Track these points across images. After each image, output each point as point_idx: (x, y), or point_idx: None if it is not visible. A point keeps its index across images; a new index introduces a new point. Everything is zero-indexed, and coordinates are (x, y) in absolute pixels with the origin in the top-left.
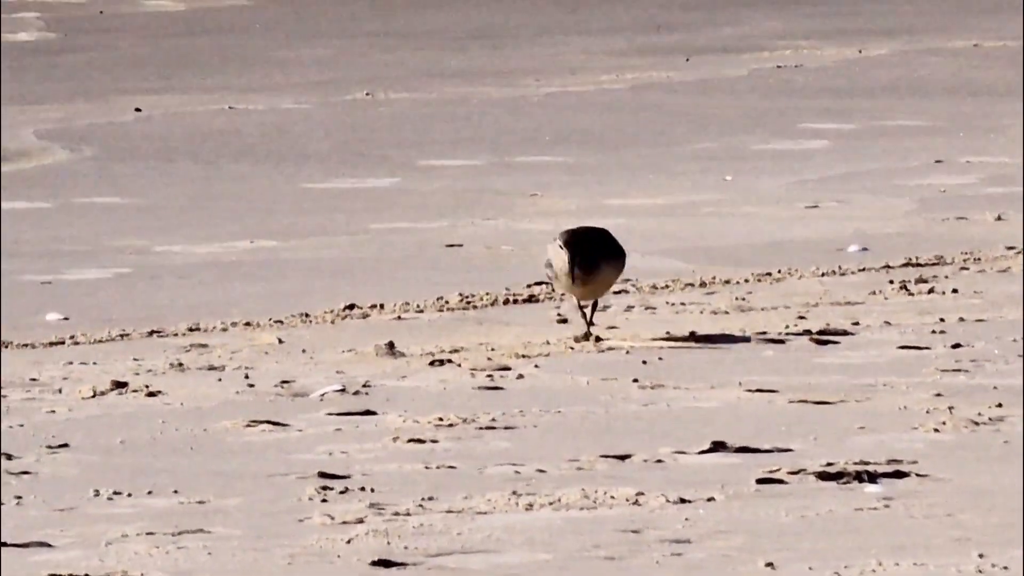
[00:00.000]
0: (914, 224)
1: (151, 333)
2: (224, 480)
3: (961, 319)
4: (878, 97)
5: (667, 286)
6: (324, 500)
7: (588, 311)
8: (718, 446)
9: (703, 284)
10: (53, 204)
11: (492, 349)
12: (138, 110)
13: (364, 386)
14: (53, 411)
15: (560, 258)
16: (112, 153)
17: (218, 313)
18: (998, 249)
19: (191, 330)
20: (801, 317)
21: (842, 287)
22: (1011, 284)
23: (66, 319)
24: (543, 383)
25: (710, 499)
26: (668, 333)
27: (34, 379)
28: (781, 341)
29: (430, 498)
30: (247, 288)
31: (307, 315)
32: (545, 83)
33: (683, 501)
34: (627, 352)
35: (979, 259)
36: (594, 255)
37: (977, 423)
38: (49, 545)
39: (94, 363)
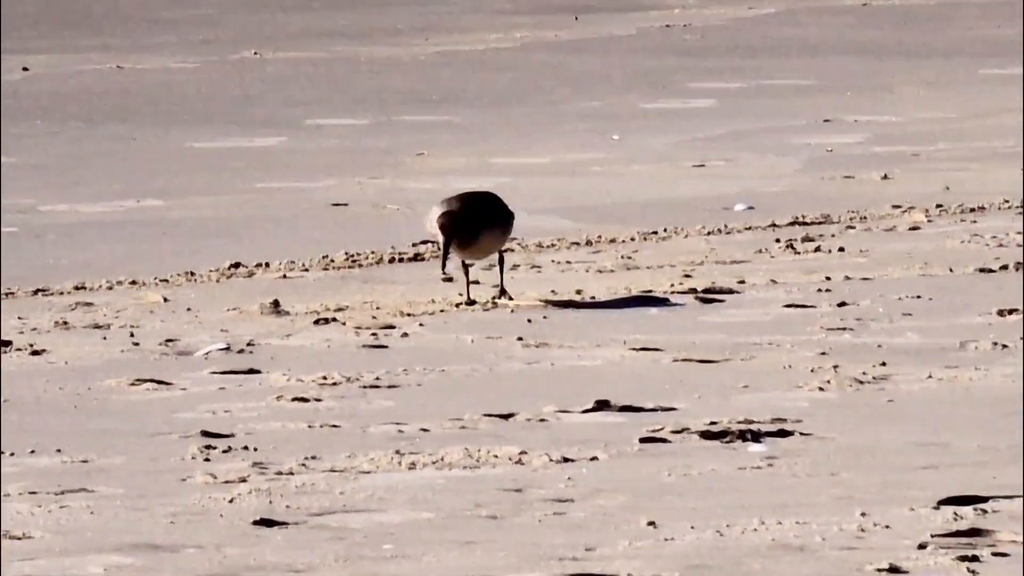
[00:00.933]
0: (801, 183)
1: (36, 292)
2: (107, 439)
3: (847, 278)
4: (766, 56)
5: (553, 245)
6: (207, 459)
7: (500, 274)
8: (602, 405)
9: (589, 243)
10: None
11: (377, 308)
12: (25, 69)
13: (248, 345)
14: None
15: (437, 235)
16: None
17: (104, 272)
18: (884, 208)
19: (77, 288)
20: (687, 275)
21: (728, 246)
22: (897, 243)
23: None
24: (427, 342)
25: (593, 458)
26: (553, 292)
27: None
28: (666, 300)
29: (313, 457)
30: (133, 247)
31: (192, 274)
32: (433, 42)
33: (566, 460)
34: (511, 311)
35: (865, 218)
36: (474, 225)
37: (862, 382)
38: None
39: None
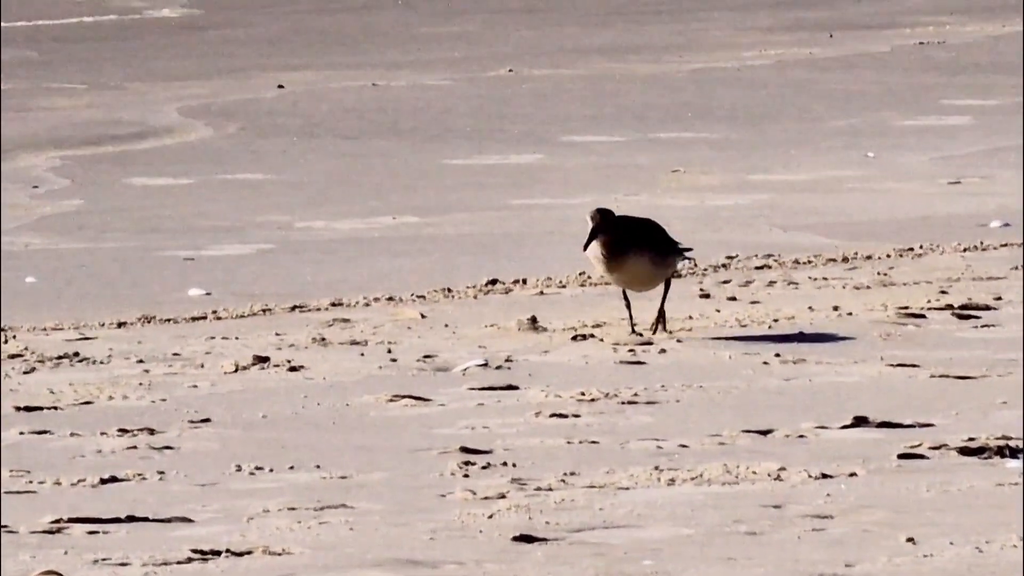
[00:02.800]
0: None
1: (293, 308)
2: (366, 455)
3: None
4: (1021, 73)
5: (810, 261)
6: (466, 475)
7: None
8: (860, 421)
9: (845, 259)
10: (196, 180)
11: (634, 324)
12: (281, 86)
13: (506, 361)
14: (195, 386)
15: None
16: (255, 129)
17: (361, 288)
18: None
19: (334, 305)
20: (943, 292)
21: (984, 262)
22: None
23: (208, 294)
24: (685, 358)
25: (852, 474)
26: (811, 308)
27: (176, 354)
28: (923, 316)
29: (572, 473)
30: (390, 263)
31: (450, 290)
32: (689, 59)
33: (825, 476)
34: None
35: None
36: (624, 242)
37: None
38: (190, 520)
39: (236, 338)
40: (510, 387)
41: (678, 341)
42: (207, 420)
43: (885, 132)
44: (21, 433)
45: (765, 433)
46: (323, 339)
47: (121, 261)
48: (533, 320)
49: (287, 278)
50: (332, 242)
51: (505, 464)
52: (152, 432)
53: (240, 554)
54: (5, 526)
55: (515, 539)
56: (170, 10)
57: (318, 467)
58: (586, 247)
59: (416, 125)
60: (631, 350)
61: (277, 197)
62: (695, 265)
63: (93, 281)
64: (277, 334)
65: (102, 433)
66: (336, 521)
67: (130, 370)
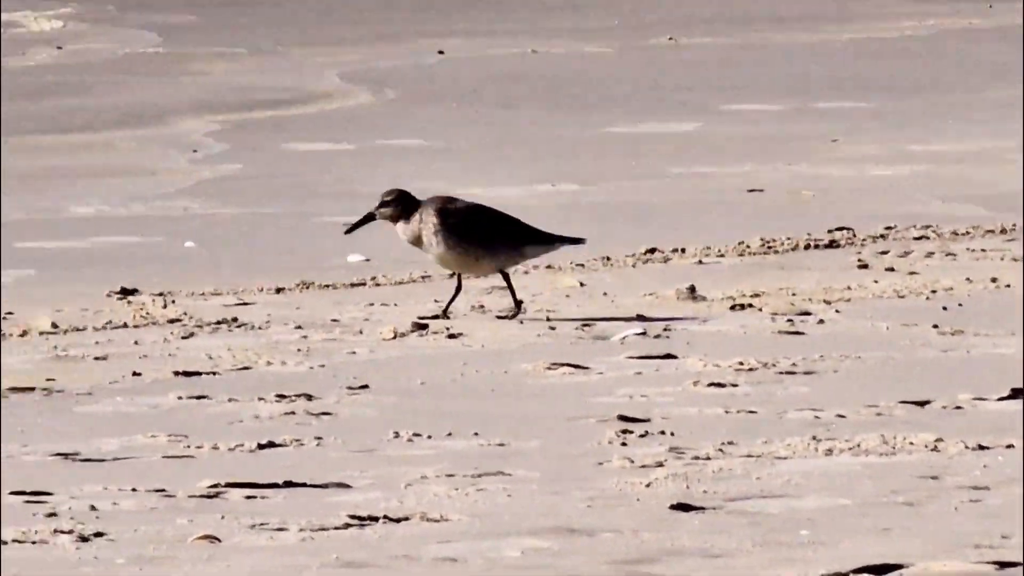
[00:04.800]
0: None
1: (452, 275)
2: (524, 423)
3: None
4: None
5: (967, 232)
6: (624, 444)
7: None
8: (1017, 393)
9: (1003, 231)
10: (355, 146)
11: (793, 294)
12: (441, 52)
13: (665, 330)
14: (354, 352)
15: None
16: (414, 95)
17: None
18: None
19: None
20: None
21: None
22: None
23: (367, 260)
24: (843, 328)
25: (1009, 446)
26: (968, 279)
27: (335, 320)
28: None
29: (729, 442)
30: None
31: (608, 258)
32: (848, 29)
33: (982, 448)
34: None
35: None
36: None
37: None
38: (348, 486)
39: (395, 304)
40: (668, 356)
41: (836, 311)
42: (365, 387)
43: None
44: (179, 398)
45: (922, 404)
46: (482, 307)
47: (279, 227)
48: (692, 289)
49: None
50: None
51: (663, 433)
52: (310, 398)
53: (397, 520)
54: (163, 490)
55: (672, 507)
56: None
57: (476, 434)
58: (349, 230)
59: (575, 93)
60: (789, 320)
61: (436, 164)
62: (853, 236)
63: (252, 246)
64: (436, 301)
65: (260, 399)
66: (493, 488)
67: (288, 336)
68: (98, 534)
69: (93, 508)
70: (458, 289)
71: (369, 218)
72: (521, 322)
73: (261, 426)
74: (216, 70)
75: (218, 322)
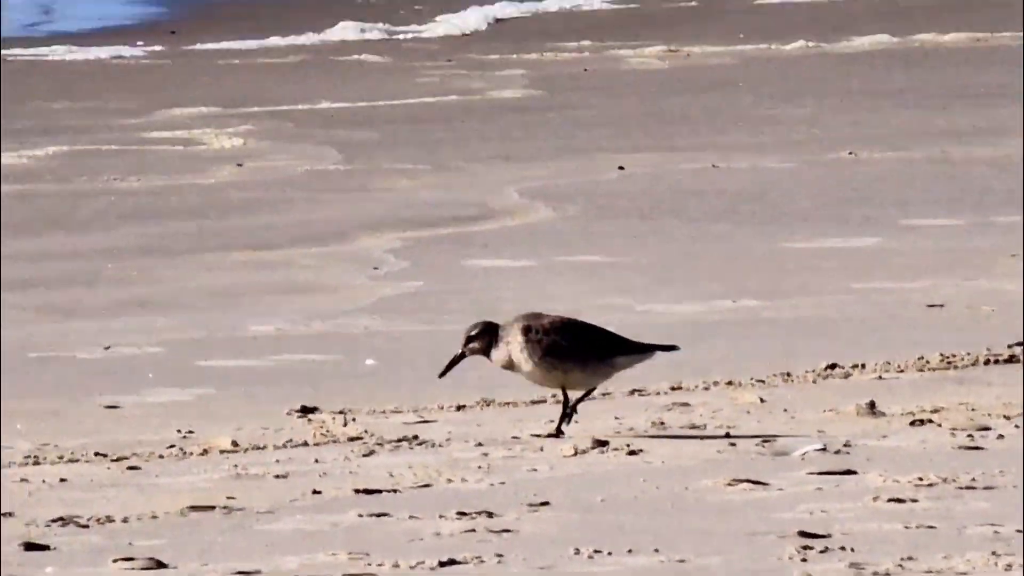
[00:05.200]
0: None
1: (632, 392)
2: (704, 538)
3: None
4: None
5: None
6: (804, 560)
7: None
8: None
9: None
10: (536, 262)
11: (972, 409)
12: (621, 168)
13: (845, 445)
14: (534, 469)
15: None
16: (595, 211)
17: (700, 372)
18: None
19: (673, 389)
20: None
21: None
22: None
23: None
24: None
25: None
26: None
27: (515, 437)
28: None
29: (909, 558)
30: (729, 347)
31: (788, 374)
32: None
33: None
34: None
35: None
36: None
37: None
38: None
39: (575, 422)
40: (848, 472)
41: (1016, 427)
42: (546, 503)
43: None
44: (360, 516)
45: None
46: (662, 423)
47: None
48: (871, 405)
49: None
50: (672, 325)
51: (843, 548)
52: (491, 515)
53: None
54: None
55: None
56: (511, 91)
57: (656, 551)
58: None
59: (755, 208)
60: (969, 435)
61: (617, 280)
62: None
63: (432, 363)
64: (616, 418)
65: (441, 516)
66: None
67: (469, 453)
68: None
69: None
70: (565, 404)
71: (460, 358)
72: (701, 438)
73: (442, 543)
74: (397, 186)
75: (399, 439)
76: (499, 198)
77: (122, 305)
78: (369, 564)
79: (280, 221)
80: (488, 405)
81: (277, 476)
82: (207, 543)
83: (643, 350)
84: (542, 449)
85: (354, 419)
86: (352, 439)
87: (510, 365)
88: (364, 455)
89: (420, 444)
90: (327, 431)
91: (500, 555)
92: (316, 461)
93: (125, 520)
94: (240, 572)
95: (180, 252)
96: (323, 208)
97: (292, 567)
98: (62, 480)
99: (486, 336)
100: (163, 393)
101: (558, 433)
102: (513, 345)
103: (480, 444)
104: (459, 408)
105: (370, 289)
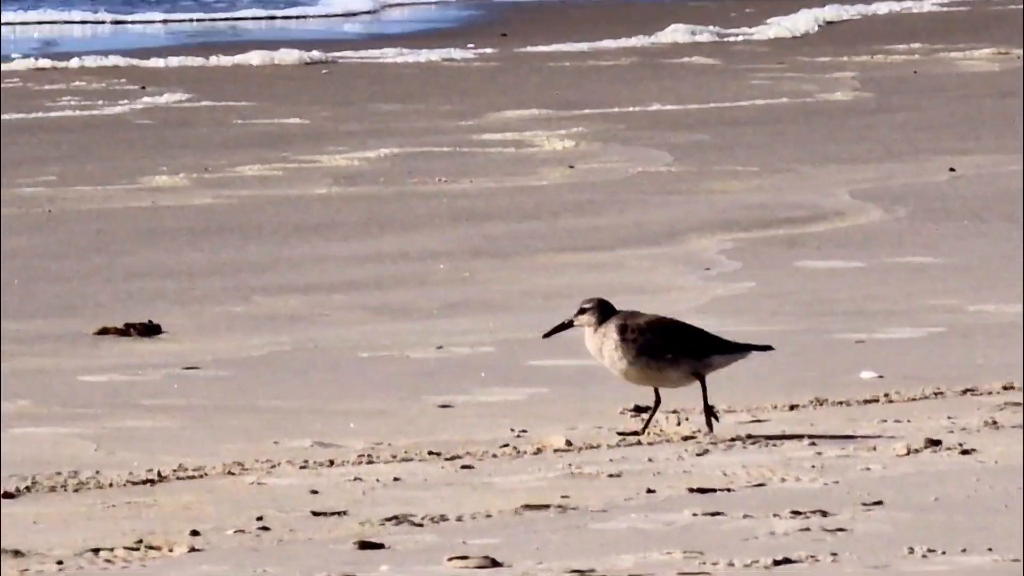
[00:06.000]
0: None
1: (965, 391)
2: None
3: None
4: None
5: None
6: None
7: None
8: None
9: None
10: (866, 263)
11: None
12: (952, 170)
13: None
14: (868, 468)
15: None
16: (925, 212)
17: None
18: None
19: (1005, 388)
20: None
21: None
22: None
23: (880, 377)
24: None
25: None
26: None
27: (849, 436)
28: None
29: None
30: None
31: None
32: None
33: None
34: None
35: None
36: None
37: None
38: None
39: (908, 421)
40: None
41: None
42: (879, 503)
43: None
44: (694, 515)
45: None
46: (995, 422)
47: (792, 343)
48: None
49: (958, 361)
50: (1003, 325)
51: None
52: (825, 514)
53: None
54: None
55: None
56: (841, 93)
57: (990, 550)
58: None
59: None
60: None
61: (948, 280)
62: None
63: (765, 363)
64: (949, 417)
65: (775, 515)
66: None
67: (802, 452)
68: None
69: None
70: (656, 403)
71: (566, 325)
72: None
73: (776, 543)
74: (728, 188)
75: (732, 439)
76: (830, 199)
77: (454, 306)
78: (703, 563)
79: (611, 223)
80: (821, 404)
81: (611, 475)
82: (542, 542)
83: (737, 350)
84: (875, 449)
85: (687, 419)
86: (686, 438)
87: (599, 355)
88: (698, 454)
89: (754, 443)
90: (660, 430)
91: (834, 554)
92: (650, 460)
93: (459, 519)
94: (575, 571)
95: (511, 253)
96: (654, 209)
97: (627, 566)
98: (396, 479)
99: (596, 314)
100: (495, 392)
101: (645, 432)
102: (608, 340)
103: (813, 443)
104: (792, 408)
105: (702, 290)
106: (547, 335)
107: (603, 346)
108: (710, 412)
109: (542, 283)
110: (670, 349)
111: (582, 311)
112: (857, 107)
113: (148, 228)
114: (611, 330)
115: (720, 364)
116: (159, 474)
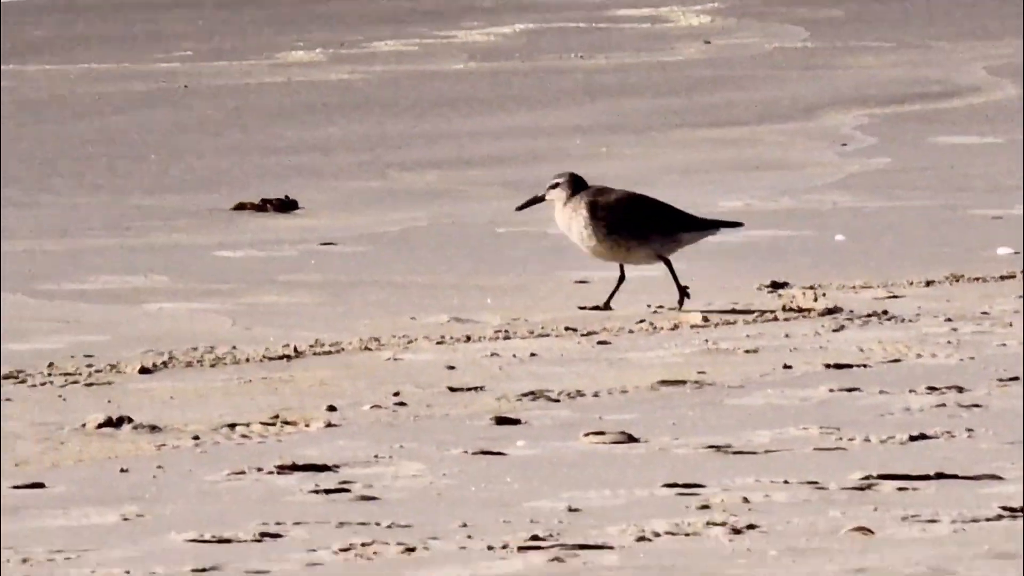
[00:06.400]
0: None
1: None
2: None
3: None
4: None
5: None
6: None
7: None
8: None
9: None
10: (1003, 139)
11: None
12: None
13: None
14: (1004, 344)
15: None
16: None
17: None
18: None
19: None
20: None
21: None
22: None
23: (1017, 253)
24: None
25: None
26: None
27: (985, 312)
28: None
29: None
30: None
31: None
32: None
33: None
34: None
35: None
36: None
37: None
38: (1000, 478)
39: (688, 296)
40: None
41: None
42: (1015, 378)
43: None
44: (831, 391)
45: None
46: None
47: (929, 219)
48: None
49: None
50: None
51: None
52: (960, 390)
53: None
54: (815, 482)
55: None
56: None
57: None
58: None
59: None
60: None
61: None
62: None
63: (901, 239)
64: None
65: (910, 391)
66: None
67: (938, 328)
68: (750, 526)
69: (745, 500)
70: (621, 278)
71: (538, 199)
72: None
73: (912, 418)
74: (864, 64)
75: (868, 315)
76: (966, 75)
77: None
78: (840, 439)
79: (747, 98)
80: (957, 281)
81: (747, 351)
82: (678, 417)
83: (707, 226)
84: (1011, 324)
85: (824, 294)
86: (822, 314)
87: (569, 232)
88: (834, 330)
89: (890, 319)
90: (797, 306)
91: (970, 430)
92: (786, 336)
93: (596, 394)
94: (711, 446)
95: (646, 129)
96: (789, 85)
97: (763, 441)
98: (532, 355)
99: (567, 189)
100: (632, 267)
101: (607, 306)
102: (577, 216)
103: (949, 319)
104: (928, 284)
105: (838, 165)
106: (520, 208)
107: (572, 222)
108: (682, 290)
109: (678, 158)
110: (639, 226)
111: (554, 185)
112: None
113: (284, 104)
114: (581, 207)
115: (688, 240)
116: (295, 349)
